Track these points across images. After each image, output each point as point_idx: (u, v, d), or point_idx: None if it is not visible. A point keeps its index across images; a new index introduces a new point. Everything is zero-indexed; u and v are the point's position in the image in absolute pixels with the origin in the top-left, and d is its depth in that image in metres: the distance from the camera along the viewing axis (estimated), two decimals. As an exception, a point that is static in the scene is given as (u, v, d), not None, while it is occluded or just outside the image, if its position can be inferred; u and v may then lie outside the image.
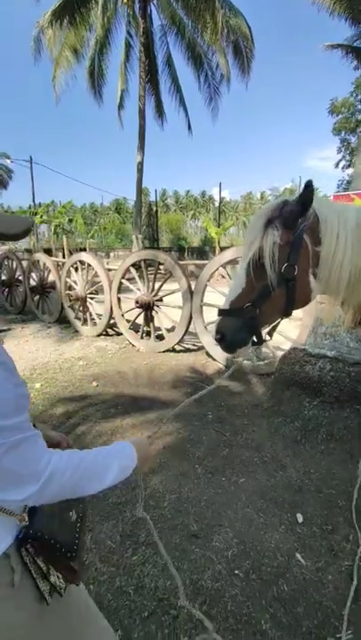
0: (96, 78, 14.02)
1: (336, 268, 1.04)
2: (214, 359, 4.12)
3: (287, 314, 1.16)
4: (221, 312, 1.18)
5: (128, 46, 14.23)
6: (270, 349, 3.69)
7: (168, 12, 12.89)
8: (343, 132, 18.84)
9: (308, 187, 1.00)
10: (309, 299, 1.14)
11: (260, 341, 1.19)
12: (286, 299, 1.10)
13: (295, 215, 1.02)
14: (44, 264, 6.02)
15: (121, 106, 15.12)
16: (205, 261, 4.34)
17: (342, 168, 20.23)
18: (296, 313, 1.30)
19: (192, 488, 2.08)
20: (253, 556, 1.63)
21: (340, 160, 20.14)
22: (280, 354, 3.33)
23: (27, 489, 0.61)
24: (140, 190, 14.78)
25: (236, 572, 1.56)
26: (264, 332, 1.21)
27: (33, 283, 6.36)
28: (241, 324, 1.15)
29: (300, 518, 1.85)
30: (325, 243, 1.03)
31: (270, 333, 1.25)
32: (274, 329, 1.26)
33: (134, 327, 4.91)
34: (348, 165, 19.51)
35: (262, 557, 1.63)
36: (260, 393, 3.35)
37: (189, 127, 15.44)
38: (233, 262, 3.97)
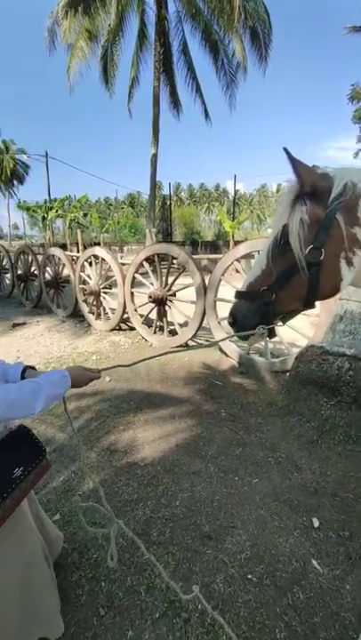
0: (108, 68, 13.89)
1: None
2: (227, 355, 4.05)
3: (309, 304, 1.03)
4: (237, 294, 1.11)
5: (142, 34, 13.99)
6: (285, 346, 3.59)
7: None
8: (364, 120, 18.02)
9: (287, 153, 0.92)
10: (338, 288, 1.00)
11: (272, 331, 1.08)
12: (308, 286, 0.98)
13: (327, 189, 0.91)
14: (59, 258, 6.06)
15: (130, 96, 14.96)
16: (219, 255, 4.24)
17: (363, 158, 19.39)
18: (313, 309, 1.20)
19: (204, 487, 2.04)
20: (267, 561, 1.59)
21: (360, 150, 19.34)
22: (296, 351, 3.23)
23: None
24: (154, 184, 14.67)
25: (250, 576, 1.52)
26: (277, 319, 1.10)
27: (48, 277, 6.42)
28: (254, 309, 1.06)
29: (315, 522, 1.79)
30: None
31: (284, 320, 1.13)
32: (290, 316, 1.13)
33: (147, 322, 4.89)
34: (369, 155, 18.66)
35: (276, 562, 1.58)
36: (275, 391, 3.27)
37: (207, 115, 15.14)
38: (248, 256, 3.86)
